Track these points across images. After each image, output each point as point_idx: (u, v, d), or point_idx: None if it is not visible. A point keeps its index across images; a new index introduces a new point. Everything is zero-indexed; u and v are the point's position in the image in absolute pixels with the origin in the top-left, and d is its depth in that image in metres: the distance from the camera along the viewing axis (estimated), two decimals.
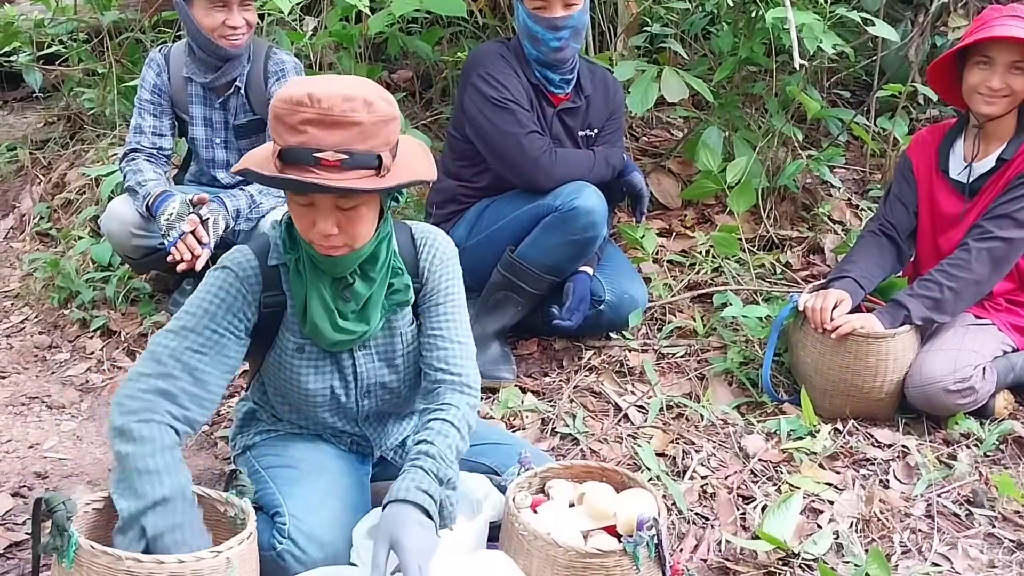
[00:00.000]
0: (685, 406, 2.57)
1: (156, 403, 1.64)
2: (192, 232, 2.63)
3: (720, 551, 2.06)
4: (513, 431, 2.46)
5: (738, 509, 2.19)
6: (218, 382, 1.72)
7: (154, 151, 2.91)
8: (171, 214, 2.66)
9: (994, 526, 2.17)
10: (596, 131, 2.82)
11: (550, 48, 2.62)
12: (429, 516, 1.60)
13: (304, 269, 1.75)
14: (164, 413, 1.64)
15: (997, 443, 2.44)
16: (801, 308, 2.56)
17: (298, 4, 3.01)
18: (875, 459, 2.39)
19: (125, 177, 2.87)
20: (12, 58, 4.21)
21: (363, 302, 1.78)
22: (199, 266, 2.62)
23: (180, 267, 2.62)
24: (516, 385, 2.67)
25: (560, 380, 2.72)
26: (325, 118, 1.54)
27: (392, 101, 1.64)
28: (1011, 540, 2.13)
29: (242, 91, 2.90)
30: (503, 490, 1.84)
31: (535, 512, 1.79)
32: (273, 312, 1.80)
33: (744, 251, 3.19)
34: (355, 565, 1.71)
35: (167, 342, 1.70)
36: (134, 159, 2.88)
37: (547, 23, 2.59)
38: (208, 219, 2.66)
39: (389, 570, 1.55)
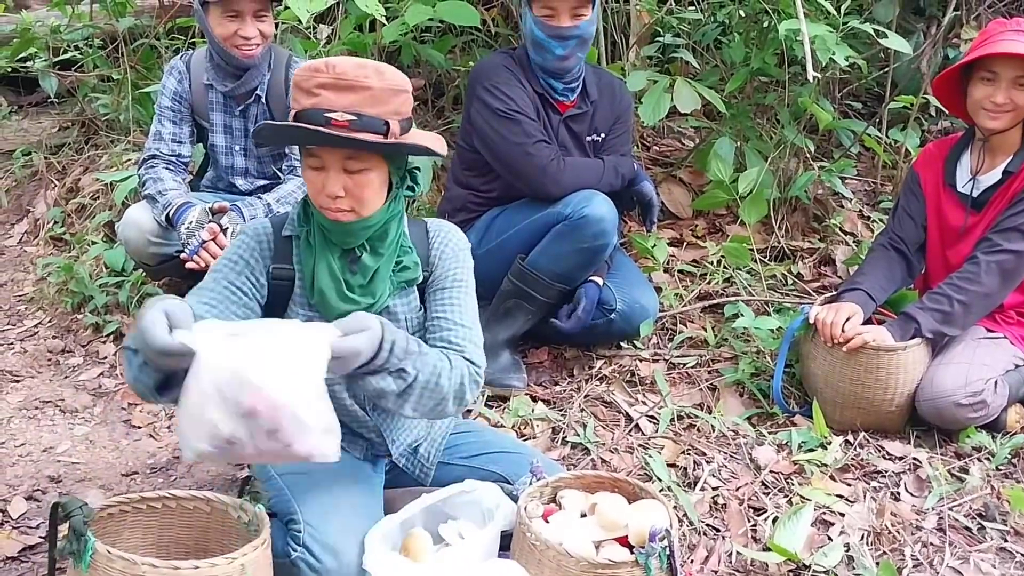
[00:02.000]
0: (696, 417, 2.57)
1: None
2: (213, 240, 2.65)
3: (731, 562, 2.06)
4: (523, 440, 2.46)
5: (749, 520, 2.19)
6: None
7: (173, 158, 2.92)
8: (191, 222, 2.68)
9: (1006, 540, 2.16)
10: (603, 135, 2.82)
11: (555, 56, 2.63)
12: (379, 348, 1.62)
13: (314, 240, 1.81)
14: None
15: (1009, 457, 2.43)
16: (812, 320, 2.56)
17: (312, 14, 3.02)
18: (886, 472, 2.39)
19: (144, 184, 2.87)
20: (28, 63, 4.23)
21: (370, 275, 1.82)
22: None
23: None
24: (526, 394, 2.68)
25: (571, 389, 2.72)
26: (338, 82, 1.66)
27: (405, 78, 1.74)
28: (1023, 554, 2.12)
29: (263, 99, 2.91)
30: (515, 499, 1.84)
31: (547, 522, 1.80)
32: (282, 285, 1.85)
33: (755, 262, 3.19)
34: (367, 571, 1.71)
35: (189, 298, 1.77)
36: (153, 166, 2.89)
37: (554, 32, 2.60)
38: (228, 228, 2.68)
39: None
